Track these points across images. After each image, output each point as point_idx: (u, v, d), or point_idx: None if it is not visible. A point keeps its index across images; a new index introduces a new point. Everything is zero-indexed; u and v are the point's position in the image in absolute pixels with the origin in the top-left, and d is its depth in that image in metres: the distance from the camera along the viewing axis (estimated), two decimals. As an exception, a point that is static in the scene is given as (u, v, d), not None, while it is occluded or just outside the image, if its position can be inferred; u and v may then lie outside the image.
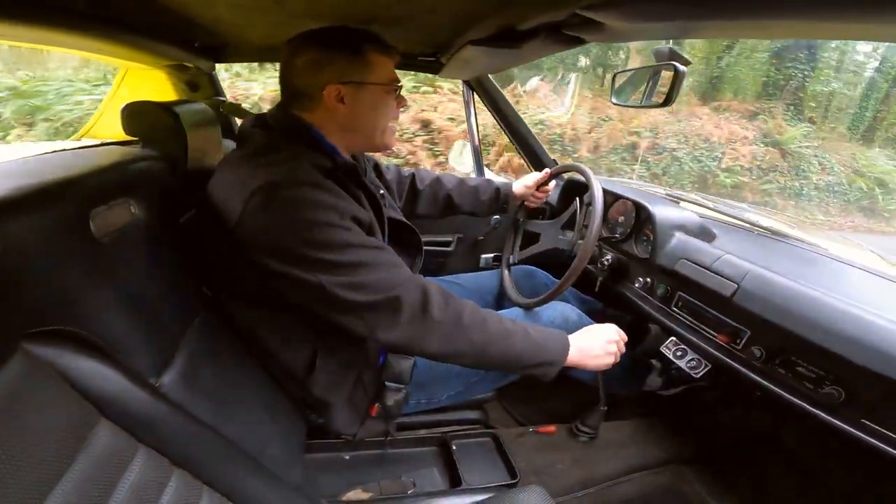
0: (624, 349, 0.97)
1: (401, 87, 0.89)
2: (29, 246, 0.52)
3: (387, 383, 0.95)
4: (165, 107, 0.92)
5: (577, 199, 1.23)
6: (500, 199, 1.33)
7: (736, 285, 0.91)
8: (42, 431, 0.45)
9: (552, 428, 1.28)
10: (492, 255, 1.74)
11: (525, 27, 0.88)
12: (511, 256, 1.36)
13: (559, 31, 0.83)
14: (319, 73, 0.81)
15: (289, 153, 0.78)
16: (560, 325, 1.12)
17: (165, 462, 0.57)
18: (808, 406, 0.81)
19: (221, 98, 1.52)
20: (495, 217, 1.67)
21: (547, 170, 1.33)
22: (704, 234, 1.13)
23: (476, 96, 1.65)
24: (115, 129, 1.38)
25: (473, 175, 1.75)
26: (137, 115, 0.91)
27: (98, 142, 1.24)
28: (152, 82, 1.47)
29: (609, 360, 0.94)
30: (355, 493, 0.94)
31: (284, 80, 0.85)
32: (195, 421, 0.65)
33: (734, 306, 0.91)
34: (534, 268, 1.42)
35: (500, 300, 1.35)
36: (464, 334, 0.79)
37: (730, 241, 1.12)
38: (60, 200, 0.59)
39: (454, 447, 1.06)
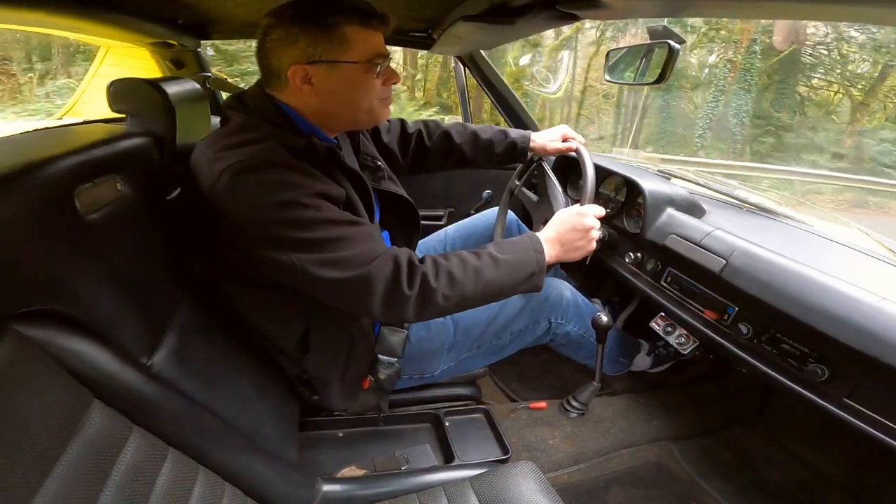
0: (597, 226, 0.91)
1: (387, 61, 0.81)
2: (12, 224, 0.51)
3: (380, 357, 0.95)
4: (153, 83, 0.89)
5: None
6: (518, 152, 1.22)
7: (724, 261, 0.92)
8: (35, 414, 0.45)
9: (543, 404, 1.31)
10: None
11: (518, 3, 0.87)
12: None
13: (553, 8, 0.81)
14: (283, 53, 0.76)
15: (260, 133, 0.75)
16: (555, 301, 1.13)
17: (160, 443, 0.57)
18: (791, 384, 0.81)
19: (207, 73, 1.49)
20: (486, 191, 1.67)
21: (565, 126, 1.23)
22: (694, 209, 1.13)
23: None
24: (96, 108, 1.36)
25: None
26: (124, 92, 0.89)
27: (81, 119, 1.21)
28: (136, 60, 1.44)
29: (592, 245, 0.90)
30: (350, 470, 0.95)
31: (258, 59, 0.80)
32: (188, 400, 0.66)
33: (722, 282, 0.92)
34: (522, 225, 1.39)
35: None
36: (435, 295, 0.76)
37: (720, 218, 1.12)
38: (43, 178, 0.58)
39: (447, 423, 1.08)
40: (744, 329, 0.89)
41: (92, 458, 0.48)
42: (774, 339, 0.85)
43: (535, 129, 1.57)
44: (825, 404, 0.76)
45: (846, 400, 0.74)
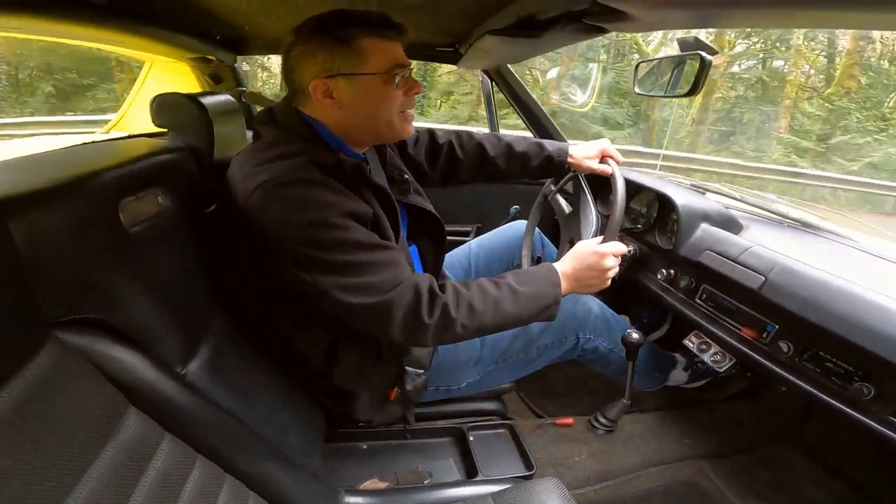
0: (618, 263, 0.91)
1: (407, 71, 0.81)
2: (60, 236, 0.54)
3: (407, 368, 0.95)
4: (193, 98, 0.93)
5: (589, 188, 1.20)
6: (554, 166, 1.17)
7: (763, 278, 0.89)
8: (73, 419, 0.46)
9: (570, 420, 1.28)
10: None
11: (545, 16, 0.87)
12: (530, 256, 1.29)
13: (579, 21, 0.81)
14: (304, 68, 0.77)
15: (290, 149, 0.77)
16: (583, 317, 1.10)
17: (189, 450, 0.58)
18: (835, 402, 0.79)
19: (242, 88, 1.54)
20: (514, 207, 1.66)
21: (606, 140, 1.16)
22: (731, 224, 1.09)
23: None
24: (141, 122, 1.42)
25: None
26: (166, 107, 0.93)
27: (126, 134, 1.28)
28: (178, 75, 1.50)
29: (606, 284, 0.91)
30: (372, 483, 0.95)
31: (283, 76, 0.82)
32: (219, 409, 0.67)
33: (761, 299, 0.89)
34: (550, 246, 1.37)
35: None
36: (454, 325, 0.78)
37: (758, 233, 1.08)
38: (91, 191, 0.61)
39: (471, 438, 1.07)
40: (784, 347, 0.86)
41: (125, 463, 0.48)
42: (817, 357, 0.82)
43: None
44: (870, 423, 0.74)
45: (892, 418, 0.72)
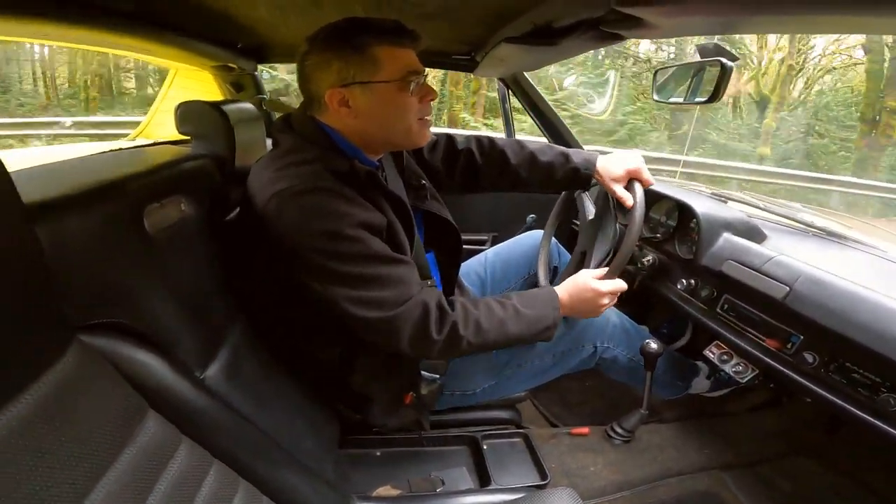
0: (613, 301, 0.96)
1: (422, 77, 0.80)
2: (86, 241, 0.55)
3: (422, 373, 0.95)
4: (215, 105, 0.95)
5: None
6: (580, 179, 1.08)
7: (788, 288, 0.87)
8: (94, 421, 0.46)
9: (586, 430, 1.26)
10: None
11: (561, 24, 0.87)
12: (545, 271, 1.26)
13: (597, 28, 0.81)
14: (320, 78, 0.78)
15: (307, 156, 0.78)
16: (601, 326, 1.09)
17: (206, 454, 0.58)
18: (862, 414, 0.77)
19: (263, 96, 1.57)
20: (531, 216, 1.65)
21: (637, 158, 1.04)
22: (754, 234, 1.07)
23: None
24: (166, 130, 1.46)
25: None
26: (189, 115, 0.95)
27: (151, 141, 1.31)
28: (201, 83, 1.54)
29: (598, 314, 0.96)
30: (385, 490, 0.94)
31: (298, 84, 0.83)
32: (236, 414, 0.67)
33: (786, 310, 0.87)
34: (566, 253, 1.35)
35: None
36: (461, 342, 0.81)
37: (782, 242, 1.06)
38: (117, 197, 0.62)
39: (485, 446, 1.06)
40: (809, 358, 0.84)
41: (142, 466, 0.48)
42: (843, 368, 0.80)
43: None
44: None
45: None
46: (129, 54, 1.25)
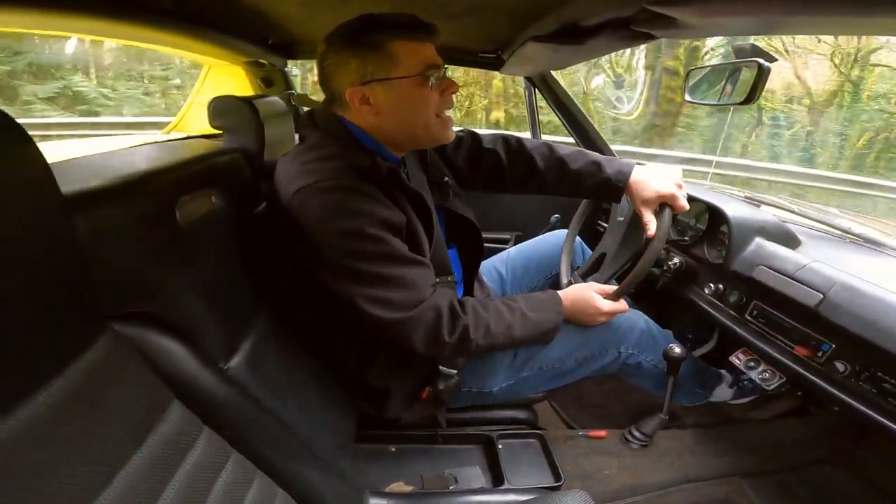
0: (611, 319, 1.00)
1: (440, 71, 0.80)
2: (120, 231, 0.56)
3: (440, 368, 0.96)
4: (247, 101, 0.97)
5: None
6: (611, 190, 1.02)
7: (822, 296, 0.84)
8: (121, 408, 0.47)
9: (603, 433, 1.24)
10: None
11: (590, 23, 0.85)
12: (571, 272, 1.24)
13: (626, 27, 0.79)
14: (340, 77, 0.79)
15: (330, 152, 0.79)
16: (626, 331, 1.07)
17: (225, 444, 0.59)
18: (892, 424, 0.76)
19: (291, 91, 1.60)
20: (555, 216, 1.63)
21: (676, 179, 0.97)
22: (787, 239, 1.04)
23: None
24: (199, 124, 1.51)
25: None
26: (222, 109, 0.97)
27: (185, 135, 1.36)
28: (233, 78, 1.58)
29: (600, 322, 1.00)
30: (397, 485, 0.95)
31: (320, 83, 0.84)
32: (256, 405, 0.68)
33: (818, 318, 0.85)
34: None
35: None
36: (470, 344, 0.84)
37: (816, 249, 1.02)
38: (151, 189, 0.64)
39: (500, 446, 1.06)
40: (840, 367, 0.82)
41: (164, 455, 0.49)
42: (875, 377, 0.78)
43: (608, 154, 1.48)
44: None
45: None
46: (166, 49, 1.29)
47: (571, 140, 1.61)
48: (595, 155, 1.05)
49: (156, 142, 1.10)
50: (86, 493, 0.41)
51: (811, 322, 0.87)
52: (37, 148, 0.40)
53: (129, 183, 0.61)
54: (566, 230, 1.27)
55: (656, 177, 0.96)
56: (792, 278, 0.90)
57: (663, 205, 0.95)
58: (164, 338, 0.59)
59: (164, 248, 0.64)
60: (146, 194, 0.63)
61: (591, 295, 0.97)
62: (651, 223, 0.95)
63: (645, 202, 0.96)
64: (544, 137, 1.77)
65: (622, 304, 0.99)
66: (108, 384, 0.47)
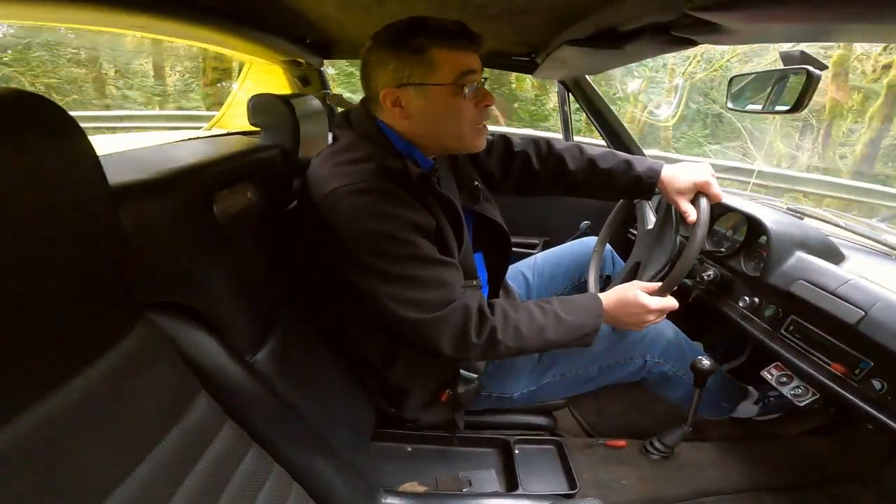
0: (660, 318, 0.92)
1: (477, 80, 0.79)
2: (161, 224, 0.59)
3: (461, 371, 0.96)
4: (284, 99, 1.00)
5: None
6: (642, 188, 1.02)
7: (863, 313, 0.81)
8: (150, 397, 0.48)
9: (622, 442, 1.22)
10: None
11: (627, 28, 0.83)
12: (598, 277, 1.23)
13: (667, 32, 0.77)
14: (377, 76, 0.79)
15: (362, 154, 0.79)
16: (653, 340, 1.05)
17: (245, 437, 0.59)
18: None
19: (326, 91, 1.64)
20: (585, 222, 1.61)
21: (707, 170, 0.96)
22: (831, 253, 0.99)
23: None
24: (239, 122, 1.57)
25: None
26: (260, 107, 1.00)
27: (225, 131, 1.41)
28: (272, 77, 1.63)
29: (643, 329, 0.94)
30: (411, 485, 0.96)
31: (361, 80, 0.84)
32: (279, 399, 0.70)
33: (857, 335, 0.81)
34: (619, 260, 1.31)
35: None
36: (499, 346, 0.81)
37: (861, 264, 0.97)
38: (192, 183, 0.67)
39: (516, 451, 1.05)
40: (877, 385, 0.79)
41: (188, 445, 0.50)
42: None
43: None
44: None
45: None
46: (209, 46, 1.33)
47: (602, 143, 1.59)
48: (625, 155, 1.05)
49: (198, 137, 1.15)
50: (112, 477, 0.42)
51: (849, 339, 0.84)
52: (88, 141, 0.42)
53: (172, 177, 0.63)
54: (595, 237, 1.25)
55: (688, 169, 0.96)
56: (833, 294, 0.87)
57: (698, 194, 0.94)
58: (195, 328, 0.61)
59: (201, 241, 0.66)
60: (187, 188, 0.65)
61: (636, 293, 0.89)
62: (690, 211, 0.93)
63: (680, 192, 0.95)
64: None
65: (672, 301, 0.90)
66: (141, 372, 0.48)
